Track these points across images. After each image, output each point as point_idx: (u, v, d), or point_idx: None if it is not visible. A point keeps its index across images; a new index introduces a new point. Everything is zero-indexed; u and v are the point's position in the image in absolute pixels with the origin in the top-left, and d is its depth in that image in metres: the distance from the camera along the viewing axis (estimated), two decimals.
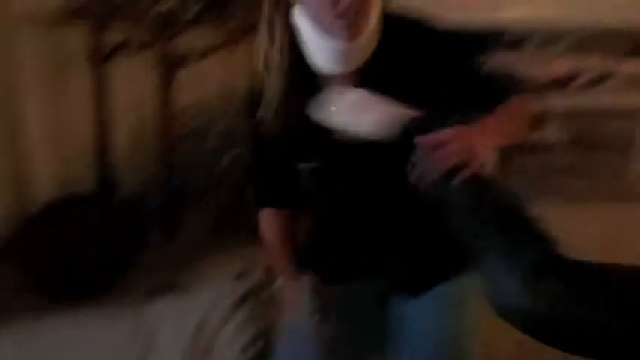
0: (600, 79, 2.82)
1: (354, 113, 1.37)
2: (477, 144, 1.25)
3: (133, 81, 2.59)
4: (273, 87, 1.43)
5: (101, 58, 2.44)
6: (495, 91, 1.47)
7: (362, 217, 1.56)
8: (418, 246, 1.56)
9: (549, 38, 3.54)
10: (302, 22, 1.41)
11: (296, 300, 1.56)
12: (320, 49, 1.41)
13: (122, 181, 2.58)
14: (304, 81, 1.45)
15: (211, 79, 2.60)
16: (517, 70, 2.88)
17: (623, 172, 3.30)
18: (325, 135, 1.45)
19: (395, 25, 1.44)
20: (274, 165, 1.55)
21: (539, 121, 1.51)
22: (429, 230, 1.50)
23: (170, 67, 2.26)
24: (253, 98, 1.49)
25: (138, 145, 2.68)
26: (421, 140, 1.24)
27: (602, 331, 0.97)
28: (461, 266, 1.49)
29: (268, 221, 1.60)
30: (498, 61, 3.05)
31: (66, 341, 1.74)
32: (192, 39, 2.51)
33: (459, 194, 1.20)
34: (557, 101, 3.04)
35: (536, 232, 1.14)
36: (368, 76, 1.43)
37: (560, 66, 2.94)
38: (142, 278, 2.23)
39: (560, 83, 2.82)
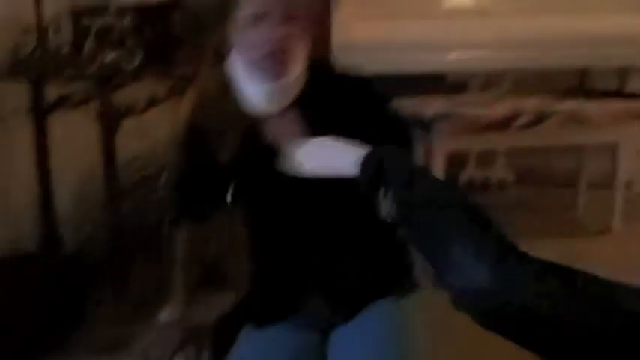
0: (541, 118, 2.89)
1: (325, 160, 1.38)
2: None
3: (76, 134, 2.56)
4: (213, 132, 1.50)
5: (43, 112, 2.41)
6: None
7: (292, 244, 1.58)
8: (349, 263, 1.56)
9: (491, 80, 3.65)
10: (234, 68, 1.48)
11: None
12: (252, 90, 1.47)
13: (67, 236, 2.52)
14: (241, 124, 1.50)
15: (158, 129, 2.59)
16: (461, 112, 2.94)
17: (571, 208, 3.37)
18: (264, 169, 1.50)
19: (323, 74, 1.53)
20: (204, 185, 1.58)
21: None
22: (359, 247, 1.55)
23: (113, 119, 2.23)
24: (190, 136, 1.57)
25: (82, 198, 2.64)
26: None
27: (558, 325, 0.98)
28: (394, 281, 1.57)
29: (184, 240, 1.63)
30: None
31: None
32: (137, 90, 2.50)
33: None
34: (502, 141, 3.10)
35: (497, 227, 1.17)
36: (301, 112, 1.48)
37: (502, 107, 3.01)
38: (91, 335, 2.16)
39: (503, 124, 2.88)
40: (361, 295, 1.58)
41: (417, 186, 1.20)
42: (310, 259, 1.58)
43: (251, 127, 1.51)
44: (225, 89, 1.51)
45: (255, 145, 1.52)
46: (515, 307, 0.99)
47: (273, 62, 1.43)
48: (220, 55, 1.50)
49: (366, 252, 1.58)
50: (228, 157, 1.52)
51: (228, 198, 1.56)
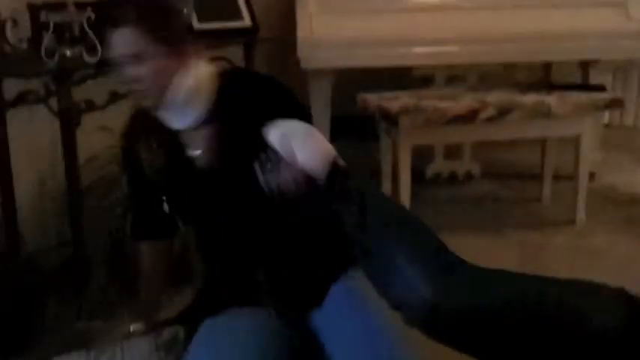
0: (505, 112, 2.92)
1: (306, 142, 1.46)
2: None
3: (36, 131, 2.52)
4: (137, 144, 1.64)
5: (2, 109, 2.37)
6: None
7: (232, 247, 1.66)
8: (293, 261, 1.63)
9: (456, 74, 3.67)
10: None
11: None
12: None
13: (28, 234, 2.49)
14: (165, 137, 1.62)
15: (119, 125, 2.56)
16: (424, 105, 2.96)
17: (535, 199, 3.41)
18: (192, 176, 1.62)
19: (236, 79, 1.65)
20: (149, 200, 1.68)
21: None
22: (299, 244, 1.63)
23: (74, 115, 2.20)
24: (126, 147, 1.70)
25: (44, 196, 2.60)
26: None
27: (499, 326, 1.01)
28: (344, 262, 1.61)
29: (146, 254, 1.73)
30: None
31: None
32: (97, 86, 2.47)
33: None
34: (467, 134, 3.12)
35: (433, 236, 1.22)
36: (216, 123, 1.59)
37: (467, 101, 3.03)
38: (52, 335, 2.14)
39: (468, 117, 2.90)
40: (315, 287, 1.62)
41: (368, 208, 1.25)
42: (251, 261, 1.63)
43: (172, 141, 1.61)
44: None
45: (178, 157, 1.61)
46: (456, 315, 1.02)
47: (143, 96, 1.56)
48: None
49: (308, 247, 1.64)
50: (154, 170, 1.63)
51: (165, 208, 1.66)
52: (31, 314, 2.17)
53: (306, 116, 1.66)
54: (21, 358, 2.05)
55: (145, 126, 1.63)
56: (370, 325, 1.56)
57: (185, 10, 2.83)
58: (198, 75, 1.58)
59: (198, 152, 1.61)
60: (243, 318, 1.59)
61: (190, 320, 1.64)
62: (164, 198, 1.67)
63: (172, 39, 1.55)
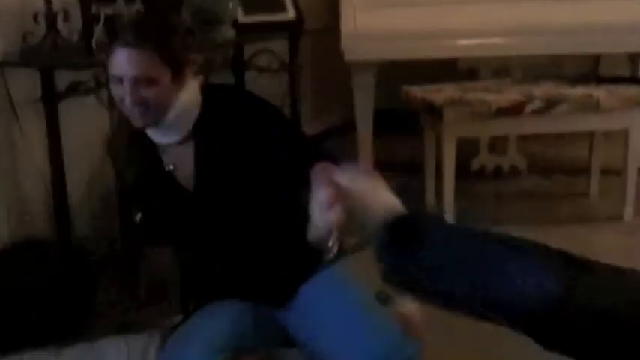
0: (553, 105, 2.87)
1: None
2: None
3: (87, 121, 2.57)
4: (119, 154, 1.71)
5: (54, 100, 2.42)
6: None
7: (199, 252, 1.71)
8: (261, 261, 1.67)
9: (502, 67, 3.63)
10: None
11: None
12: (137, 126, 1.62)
13: (79, 223, 2.54)
14: (146, 149, 1.66)
15: None
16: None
17: (582, 195, 3.35)
18: (169, 192, 1.67)
19: (219, 95, 1.67)
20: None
21: None
22: (266, 247, 1.65)
23: None
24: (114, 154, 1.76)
25: (94, 185, 2.66)
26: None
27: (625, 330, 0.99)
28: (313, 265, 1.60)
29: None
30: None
31: None
32: None
33: None
34: (513, 128, 3.09)
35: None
36: (199, 140, 1.63)
37: (514, 93, 2.99)
38: (102, 320, 2.18)
39: (514, 110, 2.86)
40: (286, 287, 1.66)
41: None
42: (222, 264, 1.70)
43: (152, 154, 1.66)
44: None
45: (157, 170, 1.66)
46: (584, 312, 0.97)
47: (138, 117, 1.56)
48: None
49: (276, 249, 1.68)
50: (130, 180, 1.70)
51: (137, 218, 1.72)
52: (81, 301, 2.22)
53: (290, 132, 1.73)
54: (72, 343, 2.09)
55: (129, 137, 1.67)
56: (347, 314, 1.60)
57: (230, 4, 2.87)
58: (189, 93, 1.61)
59: (171, 167, 1.66)
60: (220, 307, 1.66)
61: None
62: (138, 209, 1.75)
63: (179, 62, 1.58)
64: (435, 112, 2.91)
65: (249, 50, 3.18)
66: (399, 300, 1.37)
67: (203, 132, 1.63)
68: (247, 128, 1.63)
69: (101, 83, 2.36)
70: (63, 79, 2.42)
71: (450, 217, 2.97)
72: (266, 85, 3.01)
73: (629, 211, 3.04)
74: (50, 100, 2.41)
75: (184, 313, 1.77)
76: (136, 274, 2.27)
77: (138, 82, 1.51)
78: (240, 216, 1.65)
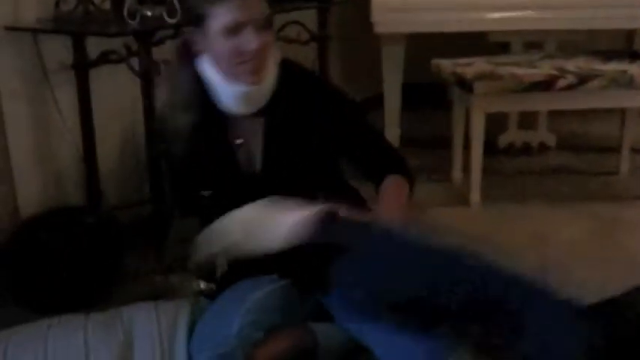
0: (584, 80, 2.83)
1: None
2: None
3: (118, 90, 2.60)
4: (178, 125, 1.58)
5: (85, 68, 2.45)
6: (385, 160, 1.71)
7: None
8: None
9: (534, 41, 3.57)
10: (208, 69, 1.56)
11: None
12: (226, 93, 1.55)
13: (110, 191, 2.58)
14: (210, 119, 1.59)
15: None
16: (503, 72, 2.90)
17: (612, 172, 3.31)
18: (229, 168, 1.62)
19: (293, 72, 1.63)
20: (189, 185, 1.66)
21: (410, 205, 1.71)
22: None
23: (152, 76, 2.25)
24: (162, 128, 1.64)
25: (125, 153, 2.69)
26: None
27: None
28: None
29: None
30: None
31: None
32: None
33: None
34: (543, 103, 3.05)
35: None
36: (271, 116, 1.60)
37: (545, 68, 2.95)
38: (129, 288, 2.22)
39: (545, 85, 2.83)
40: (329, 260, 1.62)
41: None
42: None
43: (217, 123, 1.60)
44: (196, 88, 1.57)
45: (220, 141, 1.60)
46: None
47: (251, 70, 1.51)
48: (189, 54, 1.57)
49: None
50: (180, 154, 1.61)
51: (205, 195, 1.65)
52: (110, 267, 2.26)
53: (356, 110, 1.72)
54: (101, 309, 2.13)
55: (194, 101, 1.60)
56: None
57: None
58: (276, 59, 1.58)
59: (240, 140, 1.62)
60: (256, 283, 1.64)
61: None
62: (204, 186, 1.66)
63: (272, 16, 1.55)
64: (465, 86, 2.88)
65: (278, 21, 3.16)
66: None
67: (276, 106, 1.60)
68: (320, 109, 1.63)
69: (132, 52, 2.38)
70: (94, 47, 2.44)
71: (476, 192, 2.95)
72: (295, 57, 3.00)
73: None
74: (82, 67, 2.44)
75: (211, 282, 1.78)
76: (163, 240, 2.29)
77: (259, 25, 1.48)
78: (298, 194, 1.61)
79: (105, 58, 2.44)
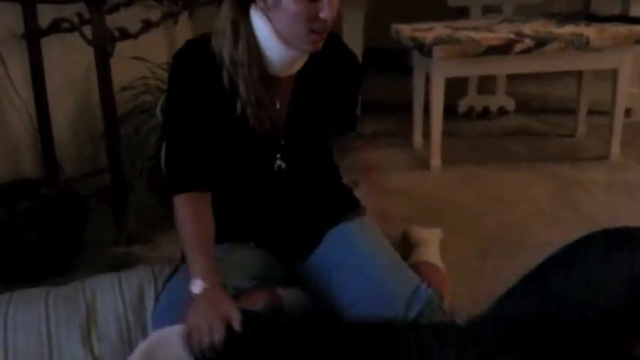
0: (542, 43, 2.85)
1: None
2: None
3: (70, 61, 2.53)
4: (243, 82, 1.50)
5: (37, 36, 2.38)
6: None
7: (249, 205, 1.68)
8: (298, 208, 1.68)
9: (492, 5, 3.58)
10: (262, 25, 1.48)
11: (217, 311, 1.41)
12: (278, 53, 1.50)
13: (66, 162, 2.53)
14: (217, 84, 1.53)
15: (153, 54, 2.56)
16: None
17: (570, 134, 3.36)
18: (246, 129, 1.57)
19: (330, 43, 1.56)
20: (195, 147, 1.57)
21: None
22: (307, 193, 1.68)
23: (106, 44, 2.19)
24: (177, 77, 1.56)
25: (80, 124, 2.63)
26: None
27: None
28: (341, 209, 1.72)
29: (187, 207, 1.54)
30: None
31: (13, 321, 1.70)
32: (130, 15, 2.46)
33: None
34: (502, 67, 3.07)
35: None
36: (302, 81, 1.59)
37: (503, 32, 2.96)
38: (89, 260, 2.19)
39: (503, 49, 2.84)
40: (316, 229, 1.70)
41: None
42: (261, 206, 1.68)
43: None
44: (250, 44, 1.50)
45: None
46: None
47: (320, 39, 1.47)
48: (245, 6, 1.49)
49: (320, 194, 1.72)
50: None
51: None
52: (70, 239, 2.23)
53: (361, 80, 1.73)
54: (61, 282, 2.11)
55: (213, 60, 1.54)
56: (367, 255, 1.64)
57: None
58: None
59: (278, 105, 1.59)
60: (224, 247, 1.64)
61: None
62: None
63: None
64: (424, 50, 2.88)
65: None
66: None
67: (309, 72, 1.59)
68: (346, 80, 1.64)
69: (84, 20, 2.32)
70: (46, 15, 2.37)
71: (436, 157, 2.97)
72: None
73: (615, 150, 3.06)
74: (33, 36, 2.37)
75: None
76: (123, 209, 2.27)
77: None
78: (307, 162, 1.67)
79: (57, 26, 2.37)
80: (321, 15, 1.43)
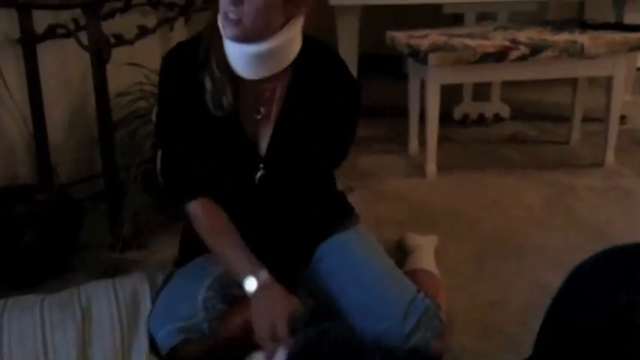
0: (537, 51, 2.86)
1: None
2: None
3: (65, 66, 2.53)
4: (211, 81, 1.52)
5: (32, 42, 2.37)
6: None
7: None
8: (288, 221, 1.65)
9: (487, 12, 3.60)
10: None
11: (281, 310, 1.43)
12: (227, 49, 1.50)
13: (61, 167, 2.52)
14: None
15: (148, 60, 2.56)
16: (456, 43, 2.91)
17: (564, 141, 3.37)
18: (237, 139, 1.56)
19: (316, 48, 1.59)
20: (189, 150, 1.57)
21: None
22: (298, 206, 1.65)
23: (102, 50, 2.19)
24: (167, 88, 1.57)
25: (76, 129, 2.63)
26: None
27: None
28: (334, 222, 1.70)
29: (204, 211, 1.55)
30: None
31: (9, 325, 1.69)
32: (126, 21, 2.46)
33: None
34: (497, 74, 3.08)
35: None
36: (293, 94, 1.57)
37: (498, 39, 2.97)
38: (84, 265, 2.18)
39: (498, 56, 2.85)
40: (309, 240, 1.69)
41: None
42: (248, 218, 1.64)
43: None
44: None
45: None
46: None
47: (236, 22, 1.43)
48: None
49: (312, 203, 1.69)
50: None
51: (257, 176, 1.59)
52: (65, 244, 2.22)
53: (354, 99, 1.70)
54: (56, 287, 2.10)
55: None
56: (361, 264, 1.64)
57: None
58: (297, 30, 1.53)
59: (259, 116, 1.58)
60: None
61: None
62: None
63: None
64: (419, 57, 2.88)
65: None
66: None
67: (297, 81, 1.58)
68: (335, 93, 1.61)
69: (80, 26, 2.32)
70: (42, 20, 2.37)
71: (432, 163, 2.98)
72: None
73: (610, 157, 3.07)
74: (29, 42, 2.37)
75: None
76: (118, 214, 2.26)
77: None
78: (292, 173, 1.64)
79: (52, 32, 2.37)
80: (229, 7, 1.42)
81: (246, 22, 1.43)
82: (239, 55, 1.50)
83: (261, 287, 1.45)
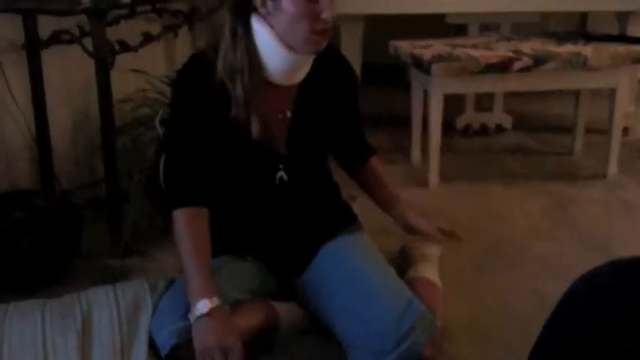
0: (540, 62, 2.87)
1: None
2: None
3: (69, 72, 2.54)
4: (238, 88, 1.52)
5: (37, 48, 2.38)
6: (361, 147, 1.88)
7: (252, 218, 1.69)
8: (297, 223, 1.69)
9: (490, 23, 3.61)
10: (262, 31, 1.50)
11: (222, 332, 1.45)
12: (279, 58, 1.51)
13: (63, 173, 2.52)
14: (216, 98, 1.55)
15: (152, 67, 2.57)
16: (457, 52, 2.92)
17: (567, 152, 3.37)
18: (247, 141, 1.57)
19: (328, 53, 1.60)
20: (195, 163, 1.57)
21: None
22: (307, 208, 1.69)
23: (108, 54, 2.20)
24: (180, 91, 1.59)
25: (78, 135, 2.63)
26: None
27: None
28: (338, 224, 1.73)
29: (184, 223, 1.55)
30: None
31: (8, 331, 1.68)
32: (131, 27, 2.47)
33: None
34: (500, 84, 3.08)
35: None
36: (303, 92, 1.60)
37: (501, 50, 2.98)
38: (85, 271, 2.18)
39: (502, 67, 2.85)
40: (313, 243, 1.71)
41: None
42: (261, 221, 1.68)
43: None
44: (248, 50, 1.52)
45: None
46: None
47: (324, 40, 1.50)
48: (245, 12, 1.51)
49: (318, 207, 1.73)
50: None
51: (279, 176, 1.63)
52: (66, 250, 2.22)
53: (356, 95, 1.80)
54: (56, 293, 2.10)
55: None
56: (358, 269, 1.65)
57: None
58: None
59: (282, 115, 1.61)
60: (221, 260, 1.66)
61: None
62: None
63: None
64: (422, 67, 2.89)
65: None
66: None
67: (310, 82, 1.61)
68: (344, 94, 1.68)
69: (85, 32, 2.32)
70: (46, 26, 2.38)
71: (434, 173, 2.98)
72: None
73: (612, 169, 3.07)
74: (33, 47, 2.38)
75: None
76: (119, 220, 2.26)
77: None
78: (308, 174, 1.68)
79: (57, 38, 2.38)
80: (323, 15, 1.45)
81: (329, 25, 1.48)
82: (289, 64, 1.53)
83: (208, 313, 1.46)
